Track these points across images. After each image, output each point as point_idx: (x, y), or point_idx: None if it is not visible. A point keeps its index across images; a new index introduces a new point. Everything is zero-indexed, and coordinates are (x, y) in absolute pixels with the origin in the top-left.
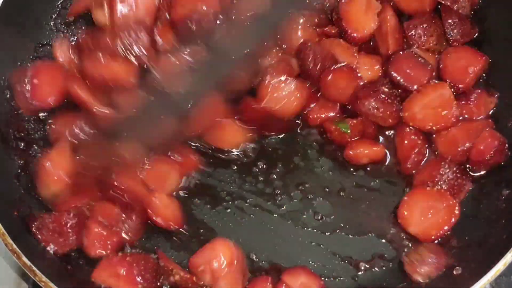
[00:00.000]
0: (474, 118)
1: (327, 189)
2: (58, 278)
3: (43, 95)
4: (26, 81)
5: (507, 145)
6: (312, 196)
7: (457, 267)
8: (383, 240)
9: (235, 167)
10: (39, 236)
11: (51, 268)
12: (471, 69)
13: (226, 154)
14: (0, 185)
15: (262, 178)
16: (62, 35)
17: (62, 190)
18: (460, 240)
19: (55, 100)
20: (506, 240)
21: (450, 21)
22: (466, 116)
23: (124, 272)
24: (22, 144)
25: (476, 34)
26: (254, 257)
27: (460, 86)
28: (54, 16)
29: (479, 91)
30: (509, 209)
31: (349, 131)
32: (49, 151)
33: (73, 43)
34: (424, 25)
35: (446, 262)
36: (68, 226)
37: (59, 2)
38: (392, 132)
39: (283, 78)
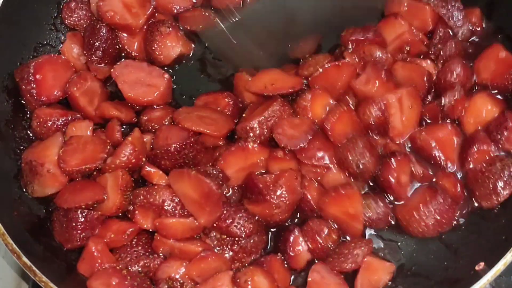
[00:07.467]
0: None
1: None
2: (58, 278)
3: (48, 90)
4: (30, 78)
5: None
6: None
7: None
8: None
9: None
10: (53, 227)
11: (51, 268)
12: None
13: None
14: (0, 185)
15: None
16: (62, 35)
17: (57, 190)
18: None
19: (62, 93)
20: (506, 240)
21: None
22: None
23: (115, 283)
24: (22, 144)
25: None
26: None
27: None
28: (54, 16)
29: None
30: (508, 209)
31: None
32: (42, 148)
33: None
34: None
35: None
36: (75, 224)
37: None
38: None
39: None
